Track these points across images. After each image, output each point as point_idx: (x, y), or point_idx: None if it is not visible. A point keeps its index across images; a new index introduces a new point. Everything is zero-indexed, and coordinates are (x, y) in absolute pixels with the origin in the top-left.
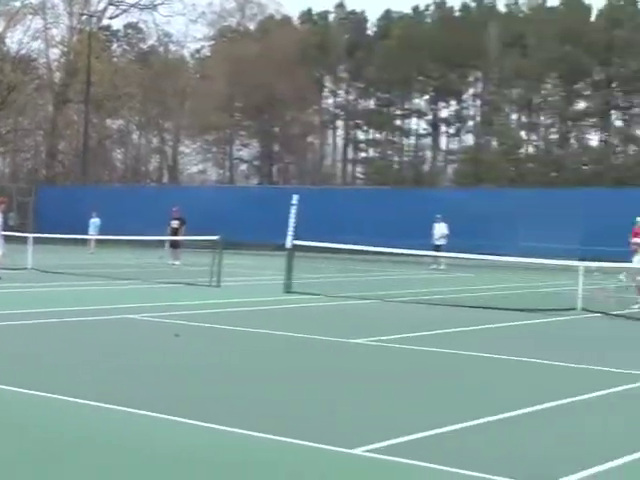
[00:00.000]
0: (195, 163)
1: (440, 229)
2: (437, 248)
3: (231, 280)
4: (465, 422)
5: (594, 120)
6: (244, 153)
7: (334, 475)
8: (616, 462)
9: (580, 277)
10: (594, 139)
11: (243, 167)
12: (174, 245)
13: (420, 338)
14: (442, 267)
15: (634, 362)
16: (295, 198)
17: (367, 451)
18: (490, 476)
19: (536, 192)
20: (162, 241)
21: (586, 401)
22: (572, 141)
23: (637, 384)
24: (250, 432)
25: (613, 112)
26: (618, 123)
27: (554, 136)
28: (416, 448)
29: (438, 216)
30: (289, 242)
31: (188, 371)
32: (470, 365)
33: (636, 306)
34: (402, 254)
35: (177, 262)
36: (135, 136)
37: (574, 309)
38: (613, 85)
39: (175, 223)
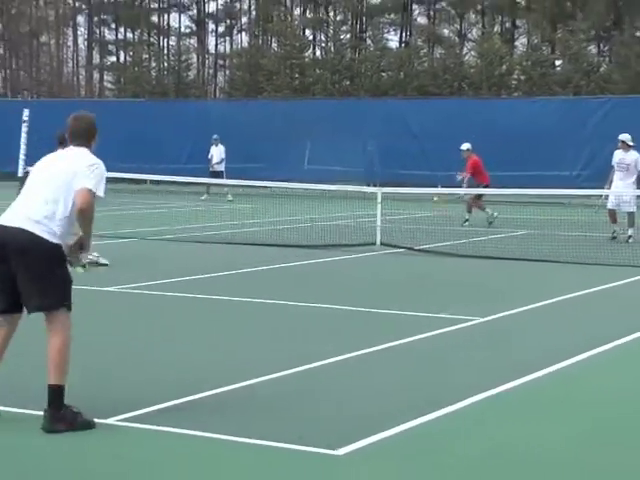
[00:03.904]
0: None
1: (218, 153)
2: (216, 176)
3: None
4: (230, 384)
5: (393, 17)
6: None
7: (86, 445)
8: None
9: (379, 206)
10: (394, 40)
11: None
12: None
13: (186, 283)
14: (229, 198)
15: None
16: (26, 113)
17: (120, 420)
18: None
19: (324, 104)
20: None
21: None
22: (368, 42)
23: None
24: None
25: (415, 7)
26: (422, 20)
27: (346, 36)
28: (174, 414)
29: (215, 137)
30: (21, 169)
31: None
32: (247, 316)
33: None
34: (167, 182)
35: None
36: None
37: (373, 244)
38: None
39: None
